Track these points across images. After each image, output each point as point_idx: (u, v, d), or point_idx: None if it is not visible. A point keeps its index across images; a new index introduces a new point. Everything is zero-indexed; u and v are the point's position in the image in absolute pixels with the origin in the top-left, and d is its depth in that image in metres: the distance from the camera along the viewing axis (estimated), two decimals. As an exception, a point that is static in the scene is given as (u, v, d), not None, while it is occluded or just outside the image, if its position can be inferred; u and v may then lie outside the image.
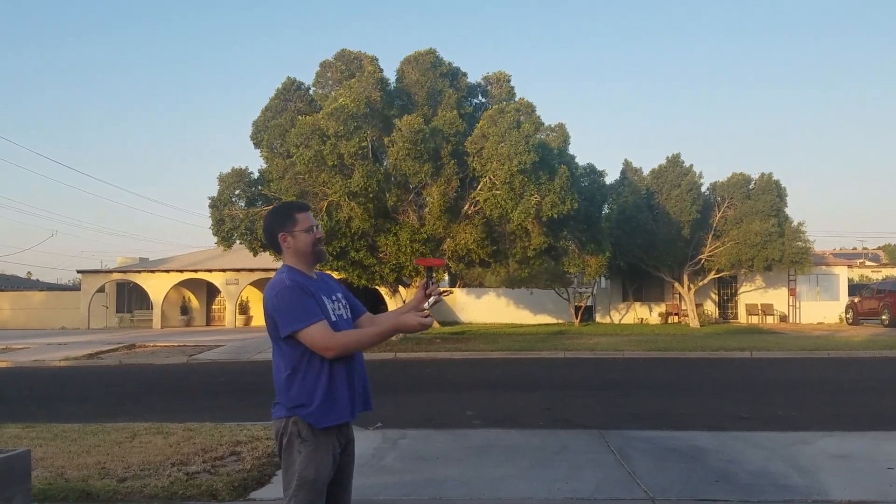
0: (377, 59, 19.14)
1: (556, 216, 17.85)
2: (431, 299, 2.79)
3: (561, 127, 21.00)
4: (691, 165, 27.12)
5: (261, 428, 7.17)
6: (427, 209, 18.66)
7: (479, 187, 18.23)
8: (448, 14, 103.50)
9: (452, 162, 17.89)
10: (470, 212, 18.87)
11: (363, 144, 17.18)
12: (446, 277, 33.00)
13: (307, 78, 21.51)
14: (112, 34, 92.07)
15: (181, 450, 6.29)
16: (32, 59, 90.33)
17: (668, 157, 27.67)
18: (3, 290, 38.80)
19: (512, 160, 16.87)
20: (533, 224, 18.41)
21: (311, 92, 20.31)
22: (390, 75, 19.85)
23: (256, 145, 19.93)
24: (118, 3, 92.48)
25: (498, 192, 17.44)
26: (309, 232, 2.80)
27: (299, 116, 18.23)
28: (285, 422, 2.66)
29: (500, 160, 17.07)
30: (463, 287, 35.36)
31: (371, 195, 17.46)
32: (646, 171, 28.20)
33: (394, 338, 18.87)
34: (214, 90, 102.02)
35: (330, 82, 20.04)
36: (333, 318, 2.71)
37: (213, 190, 20.16)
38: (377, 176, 17.51)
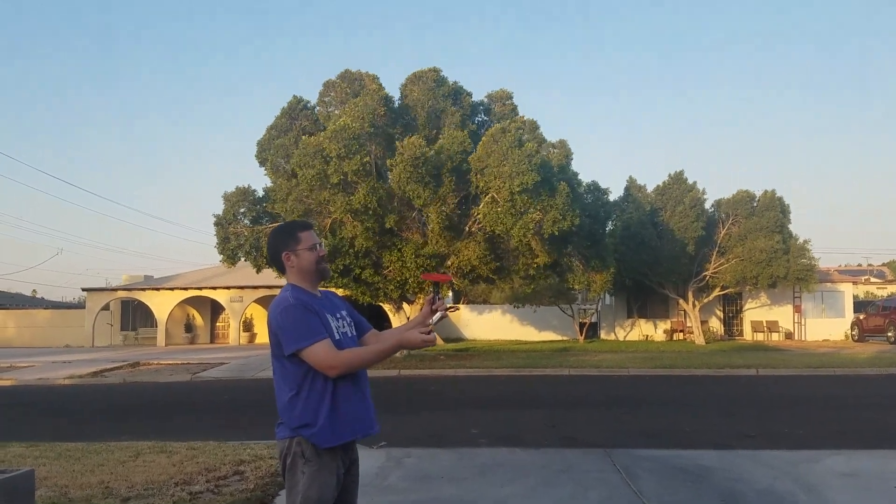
0: (378, 78, 19.31)
1: (556, 232, 17.82)
2: (437, 315, 2.78)
3: (563, 143, 21.08)
4: (695, 182, 27.15)
5: (264, 447, 7.14)
6: (430, 227, 18.70)
7: (481, 204, 18.24)
8: (453, 26, 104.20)
9: (450, 179, 17.94)
10: (473, 229, 18.88)
11: (365, 161, 17.24)
12: (450, 294, 32.97)
13: (313, 94, 21.64)
14: (118, 48, 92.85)
15: (184, 469, 6.27)
16: (36, 78, 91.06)
17: (670, 175, 27.71)
18: (8, 309, 38.87)
19: (514, 179, 16.89)
20: (535, 240, 18.42)
21: (316, 111, 20.44)
22: (394, 93, 20.01)
23: (261, 164, 20.04)
24: (123, 19, 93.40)
25: (499, 208, 17.45)
26: (312, 250, 2.80)
27: (303, 136, 18.33)
28: (289, 442, 2.65)
29: (503, 178, 17.10)
30: (467, 303, 35.33)
31: (373, 211, 17.49)
32: (650, 189, 28.25)
33: (398, 354, 18.88)
34: (220, 105, 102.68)
35: (334, 101, 20.17)
36: (337, 336, 2.71)
37: (219, 207, 20.24)
38: (379, 192, 17.55)
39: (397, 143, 17.74)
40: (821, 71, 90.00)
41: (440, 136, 19.15)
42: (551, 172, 18.46)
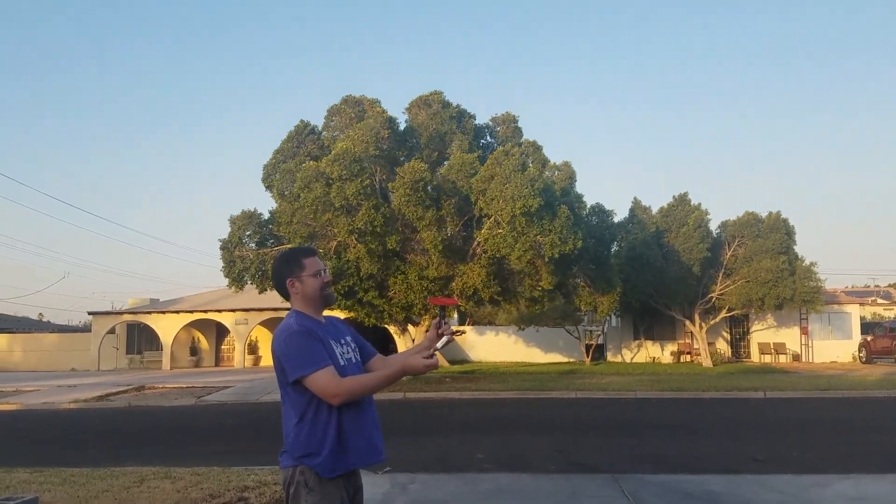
0: (380, 102, 19.56)
1: (557, 256, 17.78)
2: (444, 339, 2.76)
3: (567, 165, 21.15)
4: (699, 204, 27.15)
5: (268, 472, 7.11)
6: (428, 250, 18.70)
7: (484, 228, 18.26)
8: (458, 50, 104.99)
9: (449, 203, 17.99)
10: (478, 251, 18.90)
11: (365, 183, 17.34)
12: (456, 315, 32.89)
13: (321, 117, 21.78)
14: (124, 71, 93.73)
15: (189, 495, 6.23)
16: (43, 102, 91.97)
17: (675, 196, 27.75)
18: (14, 332, 38.92)
19: (516, 202, 16.92)
20: (539, 263, 18.41)
21: (322, 136, 20.59)
22: (398, 114, 20.23)
23: (267, 188, 20.14)
24: (130, 44, 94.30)
25: (500, 230, 17.47)
26: (316, 276, 2.80)
27: (307, 161, 18.48)
28: (292, 471, 2.62)
29: (505, 202, 17.14)
30: (472, 325, 35.26)
31: (378, 231, 17.54)
32: (654, 210, 28.26)
33: (403, 378, 18.79)
34: (226, 128, 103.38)
35: (339, 126, 20.34)
36: (342, 363, 2.70)
37: (224, 229, 20.31)
38: (383, 213, 17.61)
39: (398, 169, 17.83)
40: (825, 92, 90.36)
41: (447, 159, 19.28)
42: (553, 196, 18.48)
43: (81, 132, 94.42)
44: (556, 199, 18.49)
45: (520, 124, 21.52)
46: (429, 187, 17.78)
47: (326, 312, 2.91)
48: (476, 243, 18.85)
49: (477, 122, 21.30)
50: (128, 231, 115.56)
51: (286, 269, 2.83)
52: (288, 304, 2.88)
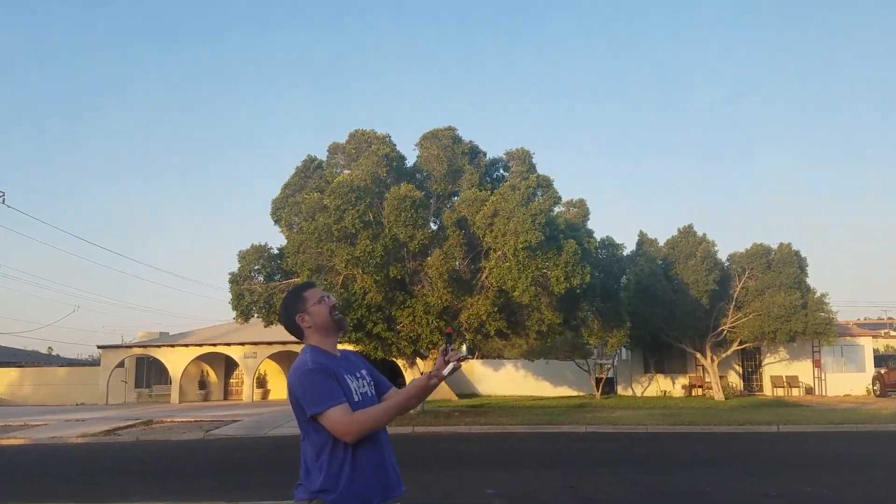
0: (389, 136, 19.77)
1: (563, 292, 17.70)
2: (450, 366, 2.76)
3: (582, 203, 21.16)
4: (704, 235, 27.07)
5: (277, 508, 7.06)
6: (432, 280, 18.70)
7: (492, 260, 18.27)
8: (469, 88, 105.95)
9: (457, 233, 18.02)
10: (486, 283, 18.88)
11: (362, 212, 17.46)
12: (464, 347, 32.71)
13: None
14: (134, 106, 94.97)
15: (196, 531, 6.19)
16: (52, 138, 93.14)
17: (679, 229, 27.70)
18: (24, 366, 38.98)
19: (518, 237, 16.95)
20: (545, 297, 18.36)
21: (325, 172, 20.77)
22: (407, 149, 20.37)
23: (276, 222, 20.29)
24: (140, 78, 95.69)
25: (506, 263, 17.48)
26: (321, 302, 2.81)
27: (309, 194, 18.67)
28: (307, 505, 2.62)
29: (508, 236, 17.18)
30: (480, 358, 35.08)
31: (378, 261, 17.60)
32: (661, 242, 28.21)
33: (412, 411, 18.69)
34: (236, 163, 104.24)
35: (340, 163, 20.56)
36: (356, 398, 2.69)
37: (233, 263, 20.44)
38: (383, 241, 17.68)
39: (386, 193, 17.99)
40: (833, 122, 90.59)
41: (457, 194, 19.40)
42: (558, 230, 18.45)
43: (93, 166, 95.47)
44: (561, 234, 18.45)
45: (535, 160, 21.46)
46: (420, 208, 17.84)
47: (340, 346, 2.91)
48: (483, 276, 18.85)
49: (491, 155, 21.41)
50: (138, 265, 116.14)
51: (292, 308, 2.85)
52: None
